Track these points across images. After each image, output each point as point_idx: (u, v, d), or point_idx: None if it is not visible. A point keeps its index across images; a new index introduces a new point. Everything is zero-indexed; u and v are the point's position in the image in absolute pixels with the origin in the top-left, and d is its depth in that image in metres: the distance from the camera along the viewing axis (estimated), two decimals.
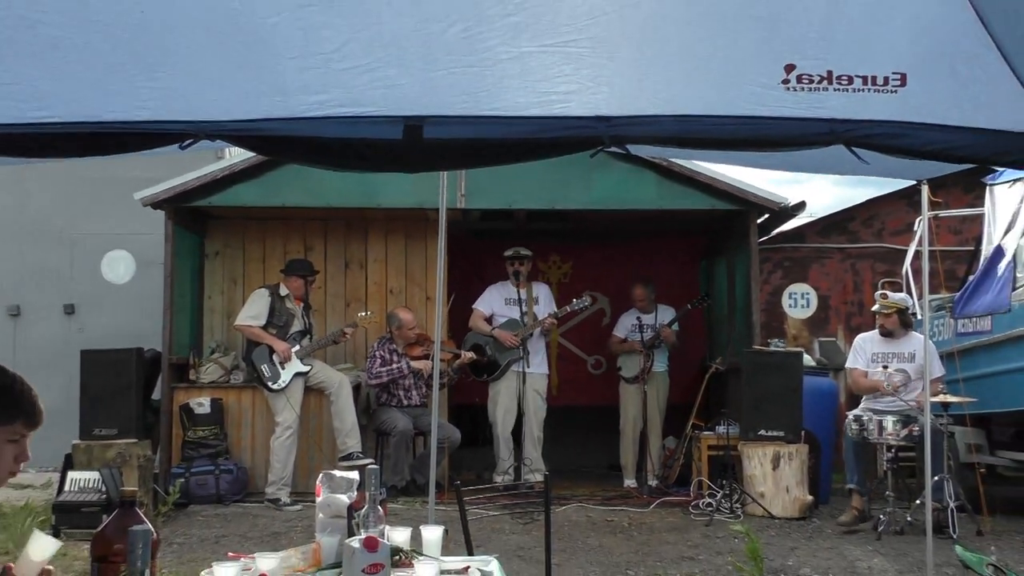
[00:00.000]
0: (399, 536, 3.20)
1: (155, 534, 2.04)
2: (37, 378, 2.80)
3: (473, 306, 9.86)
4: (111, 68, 3.05)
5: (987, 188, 8.70)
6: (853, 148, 3.05)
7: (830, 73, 2.94)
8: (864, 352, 8.62)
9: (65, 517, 8.09)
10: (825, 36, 2.93)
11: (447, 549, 3.44)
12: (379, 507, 3.05)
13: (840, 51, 2.93)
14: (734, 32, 2.97)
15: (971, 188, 9.32)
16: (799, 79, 2.95)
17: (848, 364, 8.88)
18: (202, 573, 2.95)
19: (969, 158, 3.15)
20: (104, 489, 8.17)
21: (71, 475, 8.46)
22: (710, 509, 8.65)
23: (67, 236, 11.92)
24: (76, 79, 3.06)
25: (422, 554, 3.22)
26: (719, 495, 8.80)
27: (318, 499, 3.39)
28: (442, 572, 3.06)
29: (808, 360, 9.98)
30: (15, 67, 3.01)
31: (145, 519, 2.11)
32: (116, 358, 9.29)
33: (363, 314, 9.86)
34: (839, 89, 2.95)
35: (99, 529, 2.16)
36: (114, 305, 11.47)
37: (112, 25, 2.95)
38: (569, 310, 9.87)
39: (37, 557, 2.41)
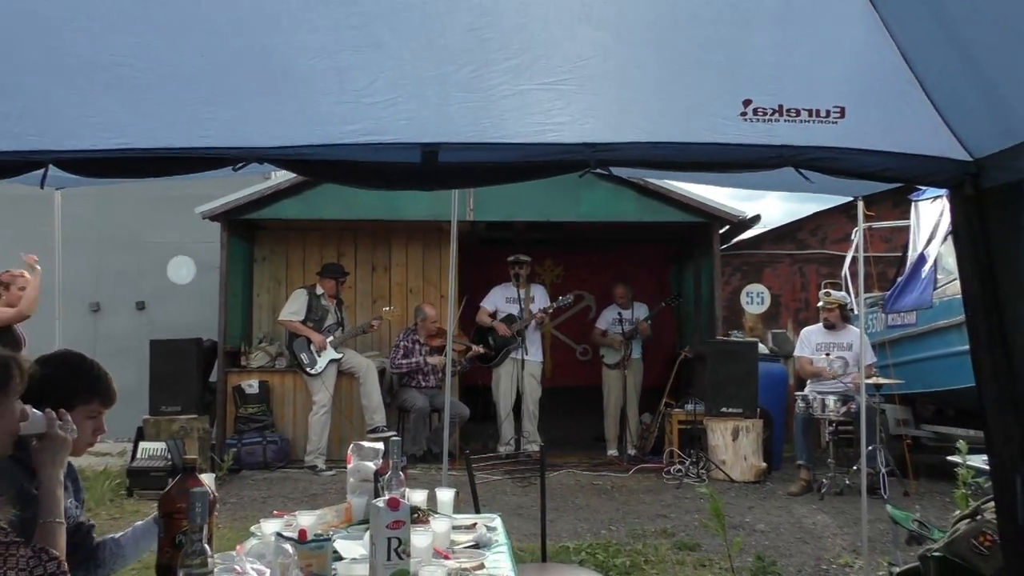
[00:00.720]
0: (417, 497, 3.20)
1: (212, 495, 2.03)
2: (114, 364, 2.81)
3: (480, 304, 9.87)
4: (177, 103, 3.05)
5: (912, 204, 8.71)
6: (800, 170, 3.04)
7: (781, 107, 2.94)
8: (809, 343, 8.64)
9: (137, 480, 8.12)
10: (776, 76, 2.92)
11: (458, 508, 3.44)
12: (400, 473, 3.05)
13: (789, 88, 2.93)
14: (699, 72, 2.97)
15: (899, 203, 9.31)
16: (755, 112, 2.95)
17: (796, 353, 8.89)
18: (252, 528, 2.95)
19: (897, 178, 3.14)
20: (169, 457, 8.19)
21: (142, 445, 8.49)
22: (680, 474, 8.67)
23: (139, 244, 11.91)
24: (149, 113, 3.06)
25: (437, 512, 3.22)
26: (688, 462, 8.83)
27: (349, 466, 3.40)
28: (454, 527, 3.06)
29: (762, 349, 9.99)
30: (99, 104, 3.02)
31: (203, 482, 2.11)
32: (179, 347, 9.31)
33: (387, 309, 9.93)
34: (788, 120, 2.94)
35: (165, 490, 2.16)
36: (178, 302, 11.47)
37: (178, 68, 2.96)
38: (555, 307, 9.87)
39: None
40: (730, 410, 8.83)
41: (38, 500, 2.47)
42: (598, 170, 3.20)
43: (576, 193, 9.36)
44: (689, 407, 9.25)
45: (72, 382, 2.69)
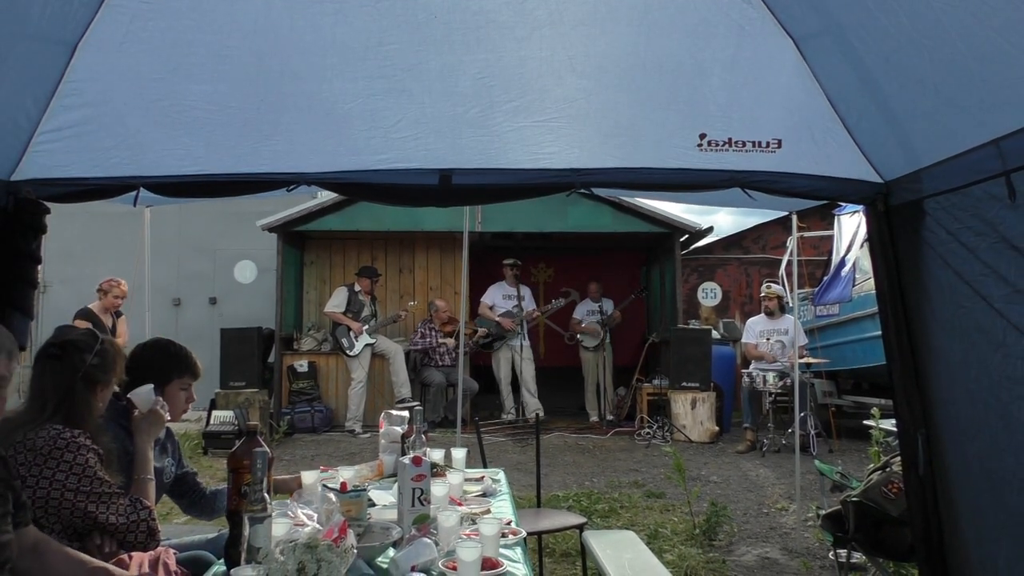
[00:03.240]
0: (436, 455, 3.21)
1: (271, 454, 2.03)
2: (191, 347, 2.83)
3: (481, 299, 9.86)
4: (241, 138, 3.06)
5: (836, 217, 8.71)
6: (746, 190, 3.04)
7: (730, 139, 2.94)
8: (753, 330, 8.63)
9: (211, 441, 8.12)
10: (726, 114, 2.93)
11: (469, 464, 3.44)
12: (422, 435, 3.05)
13: (736, 124, 2.93)
14: (664, 111, 2.97)
15: (825, 216, 9.29)
16: (709, 143, 2.95)
17: (743, 339, 8.89)
18: (303, 475, 2.95)
19: (824, 196, 3.14)
20: (236, 422, 8.19)
21: (215, 413, 8.48)
22: (648, 436, 8.66)
23: (211, 250, 11.90)
24: (218, 146, 3.07)
25: (452, 467, 3.23)
26: (655, 427, 8.82)
27: (381, 430, 3.40)
28: (465, 480, 3.07)
29: (715, 334, 9.97)
30: (179, 139, 3.03)
31: (264, 444, 2.11)
32: (244, 334, 9.30)
33: (411, 303, 9.94)
34: (736, 150, 2.94)
35: (233, 450, 2.16)
36: (242, 297, 11.47)
37: (242, 110, 2.97)
38: (549, 309, 9.92)
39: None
40: (689, 384, 8.81)
41: (134, 460, 2.49)
42: (582, 190, 3.21)
43: (564, 209, 9.34)
44: (656, 382, 9.24)
45: (169, 362, 2.73)
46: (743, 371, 8.62)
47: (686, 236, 10.36)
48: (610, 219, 9.70)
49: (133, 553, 2.28)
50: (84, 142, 2.98)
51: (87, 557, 2.04)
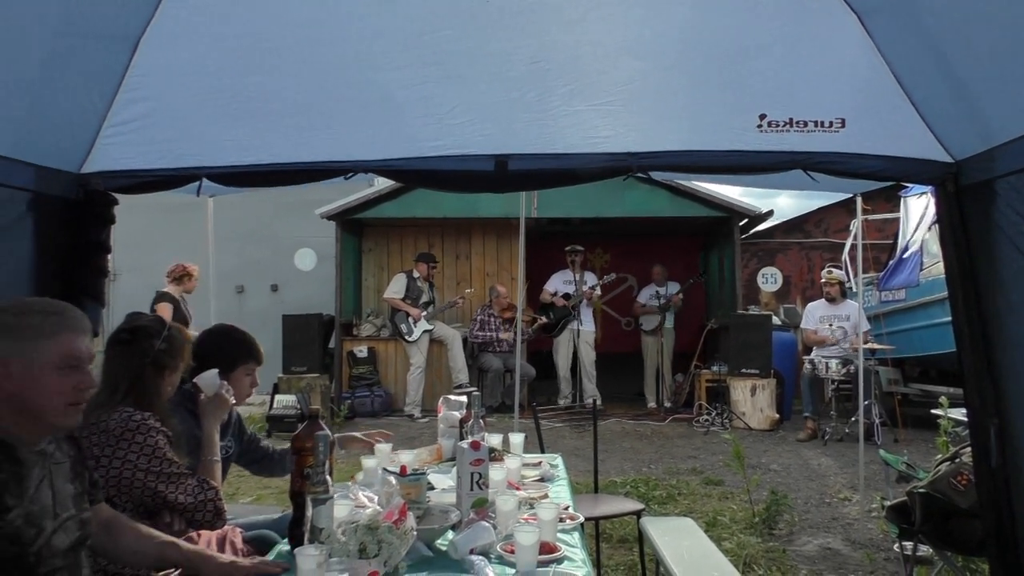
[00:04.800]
0: (494, 440, 3.22)
1: (332, 437, 2.07)
2: (255, 335, 2.91)
3: (544, 287, 9.84)
4: (300, 128, 3.11)
5: (902, 199, 8.44)
6: (808, 172, 2.97)
7: (791, 119, 2.87)
8: (814, 316, 8.43)
9: (274, 424, 8.33)
10: (787, 94, 2.86)
11: (526, 449, 3.45)
12: (480, 420, 3.07)
13: (798, 104, 2.86)
14: (723, 92, 2.92)
15: (891, 198, 9.00)
16: (769, 124, 2.88)
17: (802, 325, 8.68)
18: (362, 459, 3.00)
19: (890, 178, 3.04)
20: (299, 406, 8.37)
21: (277, 397, 8.69)
22: (707, 423, 8.57)
23: (272, 238, 12.14)
24: (278, 136, 3.12)
25: (510, 452, 3.24)
26: (713, 413, 8.72)
27: (439, 414, 3.43)
28: (523, 464, 3.08)
29: (776, 320, 9.79)
30: (239, 130, 3.10)
31: (325, 427, 2.15)
32: (305, 320, 9.49)
33: (468, 290, 10.02)
34: (797, 131, 2.87)
35: (296, 433, 2.20)
36: (303, 285, 11.67)
37: (298, 99, 3.02)
38: (601, 283, 9.79)
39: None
40: (749, 371, 8.68)
41: (201, 442, 2.57)
42: (638, 174, 3.17)
43: (620, 193, 9.24)
44: (715, 368, 9.12)
45: (235, 348, 2.81)
46: (804, 358, 8.44)
47: (745, 220, 10.17)
48: (667, 203, 9.58)
49: (201, 531, 2.36)
50: (147, 135, 3.06)
51: (157, 532, 2.11)
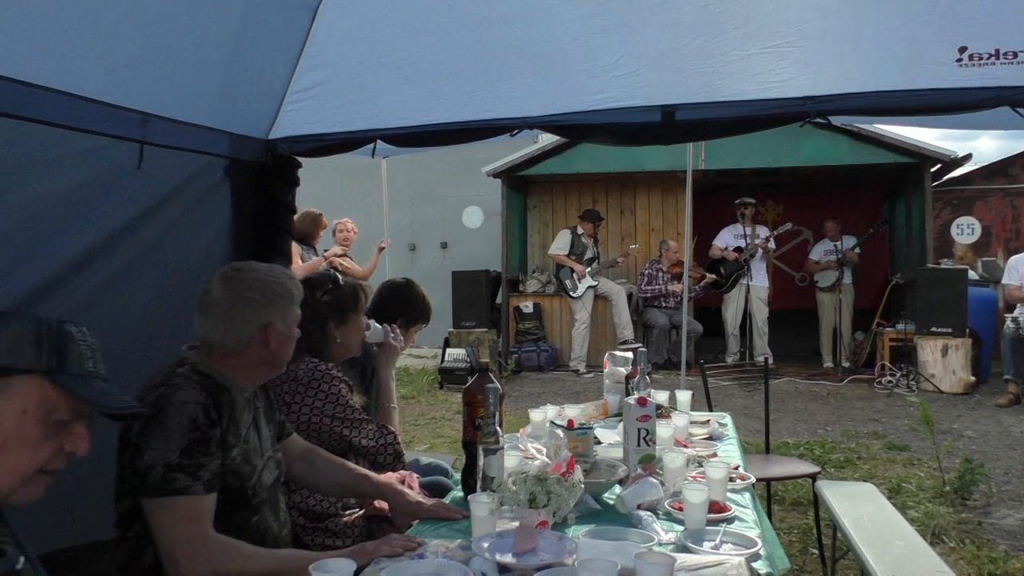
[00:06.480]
0: (660, 396, 3.20)
1: (501, 390, 2.13)
2: (427, 291, 3.06)
3: (713, 242, 9.55)
4: (466, 87, 3.16)
5: None
6: (1017, 108, 2.65)
7: (997, 51, 2.57)
8: (1017, 270, 7.61)
9: (446, 376, 8.71)
10: (993, 22, 2.56)
11: (694, 407, 3.40)
12: (647, 377, 3.05)
13: (1006, 32, 2.55)
14: (917, 25, 2.66)
15: None
16: (970, 57, 2.60)
17: (1004, 280, 7.88)
18: (530, 411, 3.07)
19: None
20: (468, 360, 8.68)
21: (448, 351, 9.06)
22: (891, 385, 8.08)
23: (441, 198, 12.49)
24: (446, 96, 3.19)
25: (677, 409, 3.21)
26: (898, 375, 8.19)
27: (605, 370, 3.45)
28: (691, 422, 3.04)
29: (972, 275, 8.98)
30: (410, 91, 3.20)
31: (495, 380, 2.21)
32: (473, 276, 9.78)
33: (633, 247, 9.95)
34: (1005, 63, 2.57)
35: (467, 386, 2.28)
36: (471, 242, 11.98)
37: (464, 59, 3.07)
38: (776, 234, 9.34)
39: None
40: (939, 329, 8.04)
41: (378, 391, 2.73)
42: (817, 119, 2.97)
43: (796, 141, 8.74)
44: (900, 326, 8.53)
45: (400, 304, 2.95)
46: (1007, 316, 7.69)
47: (938, 166, 9.34)
48: (848, 150, 8.98)
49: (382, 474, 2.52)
50: (326, 100, 3.23)
51: (351, 464, 2.29)
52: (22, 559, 1.24)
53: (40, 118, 2.15)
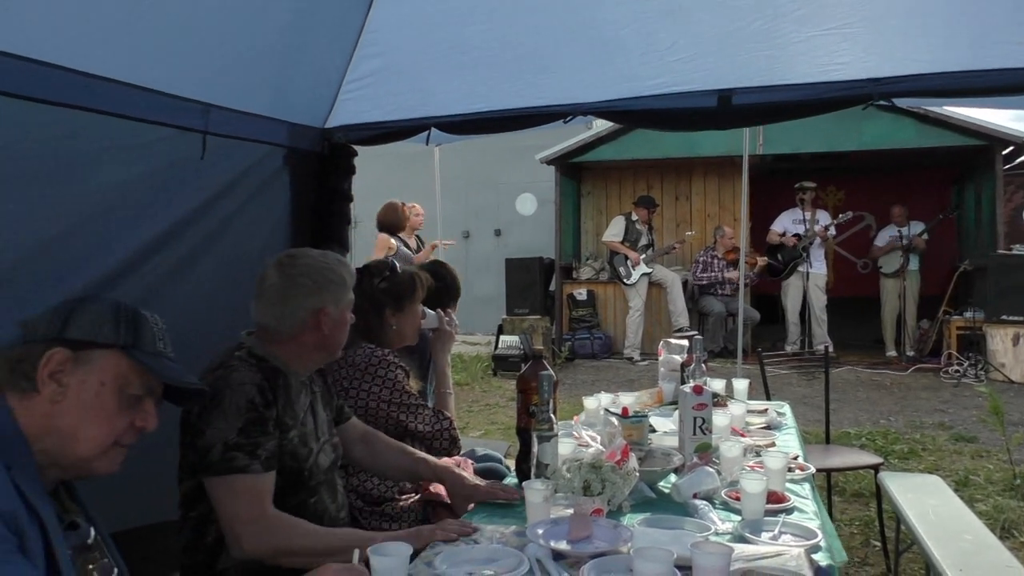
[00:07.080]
0: (717, 385, 3.16)
1: (555, 377, 2.13)
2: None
3: (771, 227, 9.38)
4: (520, 73, 3.15)
5: None
6: None
7: None
8: None
9: (499, 363, 8.75)
10: None
11: (751, 395, 3.36)
12: (703, 365, 3.02)
13: None
14: (986, 3, 2.55)
15: None
16: None
17: None
18: (584, 399, 3.06)
19: None
20: (522, 347, 8.70)
21: (502, 338, 9.10)
22: (958, 374, 7.83)
23: (495, 185, 12.50)
24: (497, 82, 3.19)
25: (733, 398, 3.17)
26: (966, 364, 7.93)
27: (660, 358, 3.42)
28: (748, 411, 3.00)
29: None
30: (463, 79, 3.21)
31: (548, 367, 2.21)
32: (527, 263, 9.80)
33: (689, 233, 9.86)
34: None
35: (521, 372, 2.29)
36: (524, 229, 11.98)
37: (517, 45, 3.06)
38: (837, 222, 9.13)
39: None
40: (1011, 318, 7.77)
41: (435, 376, 2.77)
42: (880, 102, 2.88)
43: (858, 124, 8.51)
44: (968, 314, 8.26)
45: (447, 291, 2.99)
46: None
47: (1010, 148, 8.98)
48: (913, 133, 8.70)
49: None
50: (381, 89, 3.26)
51: (410, 448, 2.32)
52: (93, 532, 1.32)
53: (110, 110, 2.23)
